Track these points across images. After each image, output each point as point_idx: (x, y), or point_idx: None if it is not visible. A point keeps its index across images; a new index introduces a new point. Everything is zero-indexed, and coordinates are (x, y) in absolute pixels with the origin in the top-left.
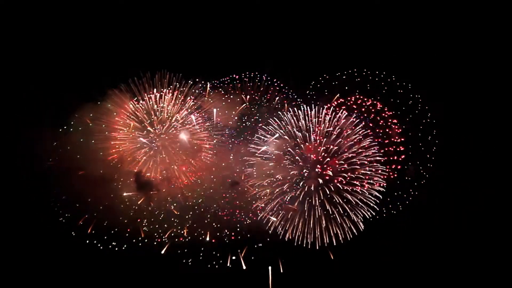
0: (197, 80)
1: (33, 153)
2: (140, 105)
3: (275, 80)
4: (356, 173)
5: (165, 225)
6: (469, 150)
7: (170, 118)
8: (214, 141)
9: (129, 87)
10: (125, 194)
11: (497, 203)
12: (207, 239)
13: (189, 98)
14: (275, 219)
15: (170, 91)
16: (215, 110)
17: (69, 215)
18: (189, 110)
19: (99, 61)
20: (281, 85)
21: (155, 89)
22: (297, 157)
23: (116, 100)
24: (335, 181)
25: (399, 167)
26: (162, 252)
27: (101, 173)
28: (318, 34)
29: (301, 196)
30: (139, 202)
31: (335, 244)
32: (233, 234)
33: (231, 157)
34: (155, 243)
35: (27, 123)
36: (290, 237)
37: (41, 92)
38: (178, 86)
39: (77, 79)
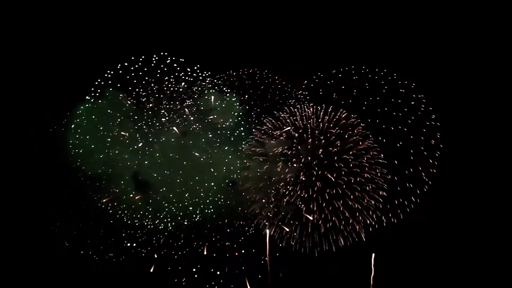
0: (198, 72)
1: (26, 154)
2: (134, 101)
3: (276, 77)
4: (353, 179)
5: (161, 236)
6: (469, 150)
7: (168, 117)
8: (214, 141)
9: (125, 83)
10: (104, 201)
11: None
12: (205, 253)
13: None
14: (287, 229)
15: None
16: (213, 97)
17: (61, 224)
18: (187, 107)
19: (95, 60)
20: (283, 82)
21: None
22: (294, 159)
23: (113, 97)
24: (335, 185)
25: (400, 172)
26: (151, 270)
27: (96, 176)
28: (317, 31)
29: (298, 200)
30: (135, 206)
31: (334, 250)
32: (235, 246)
33: (229, 158)
34: (156, 256)
35: (23, 122)
36: (288, 242)
37: (39, 91)
38: (181, 75)
39: (73, 78)
